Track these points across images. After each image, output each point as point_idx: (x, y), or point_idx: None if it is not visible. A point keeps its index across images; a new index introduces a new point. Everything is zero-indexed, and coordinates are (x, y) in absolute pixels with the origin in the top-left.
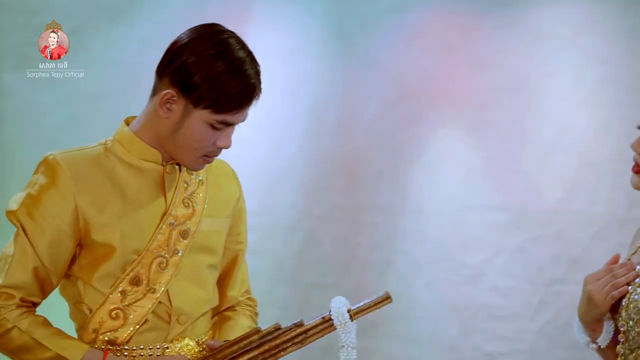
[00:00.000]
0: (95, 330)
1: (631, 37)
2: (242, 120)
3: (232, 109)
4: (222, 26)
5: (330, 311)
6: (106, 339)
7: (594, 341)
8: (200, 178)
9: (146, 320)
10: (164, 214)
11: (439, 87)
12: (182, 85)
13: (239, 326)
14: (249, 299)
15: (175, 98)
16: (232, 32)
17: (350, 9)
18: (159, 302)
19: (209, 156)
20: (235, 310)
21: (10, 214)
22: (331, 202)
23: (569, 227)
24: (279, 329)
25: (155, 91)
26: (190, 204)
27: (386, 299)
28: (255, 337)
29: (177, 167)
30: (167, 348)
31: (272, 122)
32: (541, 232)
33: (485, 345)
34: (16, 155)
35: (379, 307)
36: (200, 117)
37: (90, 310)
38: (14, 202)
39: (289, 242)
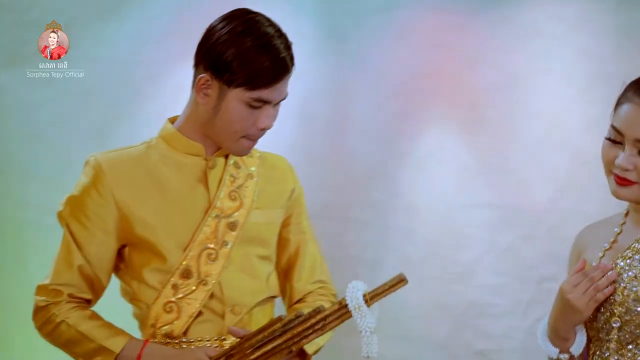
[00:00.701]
0: (153, 325)
1: (623, 35)
2: (281, 98)
3: (265, 84)
4: (251, 9)
5: (345, 296)
6: (163, 332)
7: (564, 351)
8: (250, 172)
9: (200, 312)
10: (208, 207)
11: (430, 85)
12: (214, 67)
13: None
14: (322, 287)
15: (209, 82)
16: (260, 13)
17: (341, 7)
18: (212, 294)
19: (251, 139)
20: (305, 301)
21: (58, 215)
22: (322, 200)
23: (559, 225)
24: (300, 316)
25: (193, 82)
26: (238, 196)
27: (401, 281)
28: (278, 325)
29: (223, 160)
30: (224, 339)
31: None
32: (532, 230)
33: (476, 343)
34: (7, 152)
35: (394, 290)
36: (235, 96)
37: (147, 306)
38: (61, 204)
39: None
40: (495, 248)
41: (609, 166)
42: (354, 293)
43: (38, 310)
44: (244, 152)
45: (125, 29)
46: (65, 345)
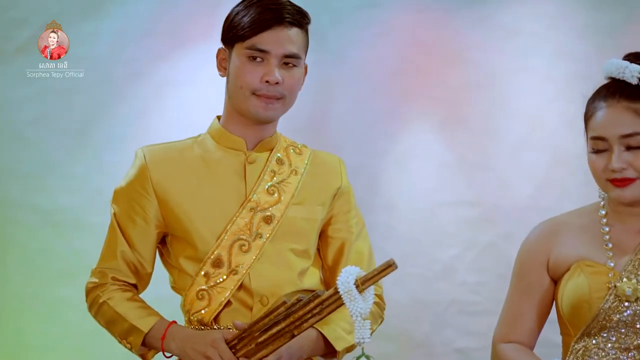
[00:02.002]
0: (188, 311)
1: (602, 33)
2: (284, 52)
3: (255, 31)
4: None
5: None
6: (196, 319)
7: None
8: (295, 168)
9: (229, 302)
10: (244, 200)
11: (410, 83)
12: (223, 38)
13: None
14: None
15: (223, 55)
16: None
17: (321, 5)
18: (241, 284)
19: (260, 95)
20: None
21: (110, 202)
22: None
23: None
24: (300, 300)
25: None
26: (277, 191)
27: (389, 266)
28: (282, 309)
29: (266, 155)
30: None
31: None
32: (512, 228)
33: (456, 341)
34: None
35: (384, 275)
36: (236, 54)
37: (184, 293)
38: (113, 191)
39: None
40: (476, 246)
41: (604, 175)
42: (346, 278)
43: (88, 292)
44: (262, 113)
45: (105, 27)
46: (107, 324)
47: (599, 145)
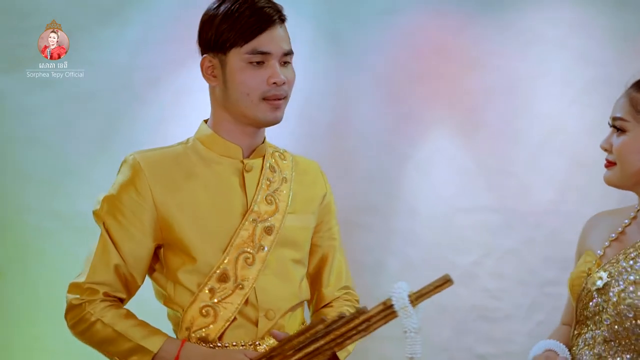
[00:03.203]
0: (187, 329)
1: (621, 38)
2: (282, 51)
3: (252, 34)
4: None
5: (391, 296)
6: (198, 336)
7: None
8: (284, 176)
9: (236, 317)
10: (246, 211)
11: (430, 88)
12: (208, 45)
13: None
14: (347, 293)
15: (210, 62)
16: None
17: (341, 10)
18: (247, 298)
19: (269, 98)
20: (331, 306)
21: (94, 213)
22: None
23: (560, 228)
24: (343, 317)
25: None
26: (274, 200)
27: (446, 281)
28: (321, 326)
29: (260, 163)
30: (259, 344)
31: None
32: (532, 233)
33: (477, 347)
34: (7, 155)
35: (440, 291)
36: (235, 59)
37: (182, 309)
38: (97, 202)
39: None
40: (496, 251)
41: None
42: (400, 294)
43: (71, 309)
44: (271, 117)
45: (125, 34)
46: (99, 344)
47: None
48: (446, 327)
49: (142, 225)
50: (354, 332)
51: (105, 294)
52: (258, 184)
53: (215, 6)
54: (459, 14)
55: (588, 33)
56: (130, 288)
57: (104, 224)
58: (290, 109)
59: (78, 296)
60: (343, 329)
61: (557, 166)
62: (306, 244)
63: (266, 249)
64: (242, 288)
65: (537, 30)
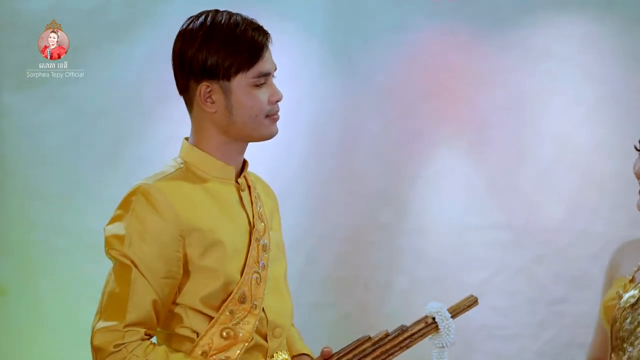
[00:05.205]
0: (204, 353)
1: (631, 55)
2: (275, 67)
3: (256, 57)
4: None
5: (431, 314)
6: (218, 359)
7: None
8: (258, 192)
9: (252, 337)
10: (251, 230)
11: (440, 106)
12: (205, 73)
13: (296, 336)
14: None
15: (209, 88)
16: (200, 13)
17: (350, 27)
18: (259, 318)
19: (272, 116)
20: None
21: (114, 251)
22: (332, 222)
23: (569, 246)
24: (388, 335)
25: (190, 102)
26: (261, 218)
27: (475, 301)
28: (368, 344)
29: (244, 181)
30: None
31: (273, 141)
32: (542, 251)
33: None
34: (17, 175)
35: (468, 310)
36: (239, 84)
37: (197, 334)
38: (115, 238)
39: (290, 262)
40: (506, 269)
41: None
42: (442, 310)
43: (108, 356)
44: (274, 131)
45: (135, 50)
46: None
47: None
48: (455, 346)
49: (173, 254)
50: (397, 348)
51: (145, 334)
52: (251, 202)
53: (195, 36)
54: (468, 31)
55: (598, 51)
56: (159, 323)
57: (132, 261)
58: (300, 127)
59: (117, 341)
60: (388, 346)
61: (566, 184)
62: (285, 260)
63: (266, 267)
64: (255, 308)
65: (548, 48)
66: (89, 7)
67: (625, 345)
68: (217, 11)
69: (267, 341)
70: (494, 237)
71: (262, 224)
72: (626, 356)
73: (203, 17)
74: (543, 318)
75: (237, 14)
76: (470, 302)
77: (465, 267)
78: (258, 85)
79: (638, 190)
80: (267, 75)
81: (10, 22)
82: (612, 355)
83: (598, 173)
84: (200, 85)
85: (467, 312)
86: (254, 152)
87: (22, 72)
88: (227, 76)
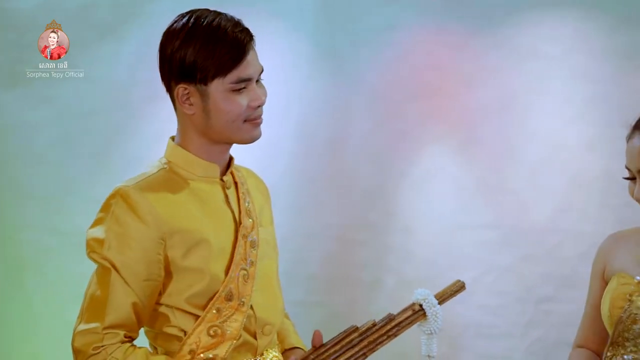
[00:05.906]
0: (192, 352)
1: (620, 55)
2: (259, 72)
3: (235, 62)
4: (183, 12)
5: (418, 301)
6: (205, 357)
7: None
8: (247, 188)
9: (241, 335)
10: (237, 227)
11: (428, 105)
12: (183, 75)
13: (290, 329)
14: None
15: (187, 90)
16: (192, 10)
17: (339, 27)
18: (247, 315)
19: (252, 121)
20: None
21: (95, 254)
22: (320, 221)
23: (558, 246)
24: (375, 324)
25: (174, 102)
26: (250, 214)
27: (461, 287)
28: (355, 335)
29: (231, 178)
30: None
31: (262, 140)
32: (531, 250)
33: None
34: (6, 172)
35: (456, 295)
36: (216, 89)
37: (185, 332)
38: (95, 241)
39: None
40: (494, 269)
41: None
42: (429, 297)
43: (86, 359)
44: (256, 135)
45: (124, 50)
46: None
47: (629, 175)
48: (443, 344)
49: (154, 257)
50: (384, 337)
51: (125, 336)
52: (238, 199)
53: (177, 36)
54: (457, 30)
55: (587, 50)
56: (141, 325)
57: (112, 264)
58: (288, 127)
59: (96, 344)
60: (375, 335)
61: (555, 183)
62: (277, 256)
63: (254, 263)
64: (243, 305)
65: (537, 47)
66: (77, 7)
67: (627, 344)
68: (203, 11)
69: (256, 339)
70: (483, 236)
71: (250, 220)
72: (630, 356)
73: (188, 16)
74: (532, 317)
75: (223, 15)
76: (458, 287)
77: (454, 267)
78: (237, 90)
79: (628, 191)
80: (247, 80)
81: None
82: (610, 348)
83: (587, 173)
84: (178, 87)
85: (457, 312)
86: (242, 150)
87: (12, 70)
88: (204, 79)
